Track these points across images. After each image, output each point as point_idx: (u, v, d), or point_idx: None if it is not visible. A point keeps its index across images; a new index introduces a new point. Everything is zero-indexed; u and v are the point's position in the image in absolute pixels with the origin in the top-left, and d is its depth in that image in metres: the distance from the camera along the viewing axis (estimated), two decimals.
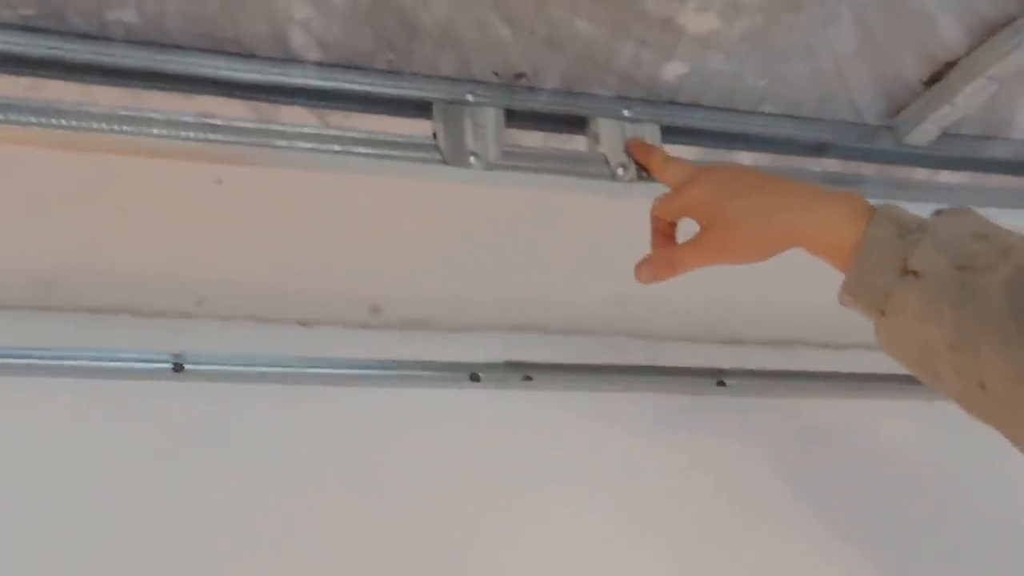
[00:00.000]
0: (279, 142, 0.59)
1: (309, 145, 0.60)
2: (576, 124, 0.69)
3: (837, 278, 0.57)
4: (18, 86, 0.58)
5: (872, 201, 0.57)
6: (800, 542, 0.88)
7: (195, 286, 0.81)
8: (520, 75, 0.66)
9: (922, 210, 0.57)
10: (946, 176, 0.79)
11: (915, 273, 0.52)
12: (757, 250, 0.59)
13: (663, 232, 0.64)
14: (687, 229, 0.64)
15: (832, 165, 0.76)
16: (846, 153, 0.76)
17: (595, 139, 0.68)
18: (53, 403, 0.75)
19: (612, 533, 0.84)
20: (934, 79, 0.71)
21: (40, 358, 0.75)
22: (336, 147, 0.60)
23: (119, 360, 0.77)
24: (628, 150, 0.67)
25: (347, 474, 0.80)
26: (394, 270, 0.84)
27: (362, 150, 0.61)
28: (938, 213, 0.56)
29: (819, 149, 0.75)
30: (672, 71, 0.67)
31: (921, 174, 0.79)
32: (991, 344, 0.50)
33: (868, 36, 0.66)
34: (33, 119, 0.54)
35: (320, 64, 0.62)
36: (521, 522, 0.82)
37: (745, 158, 0.74)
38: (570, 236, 0.84)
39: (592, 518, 0.84)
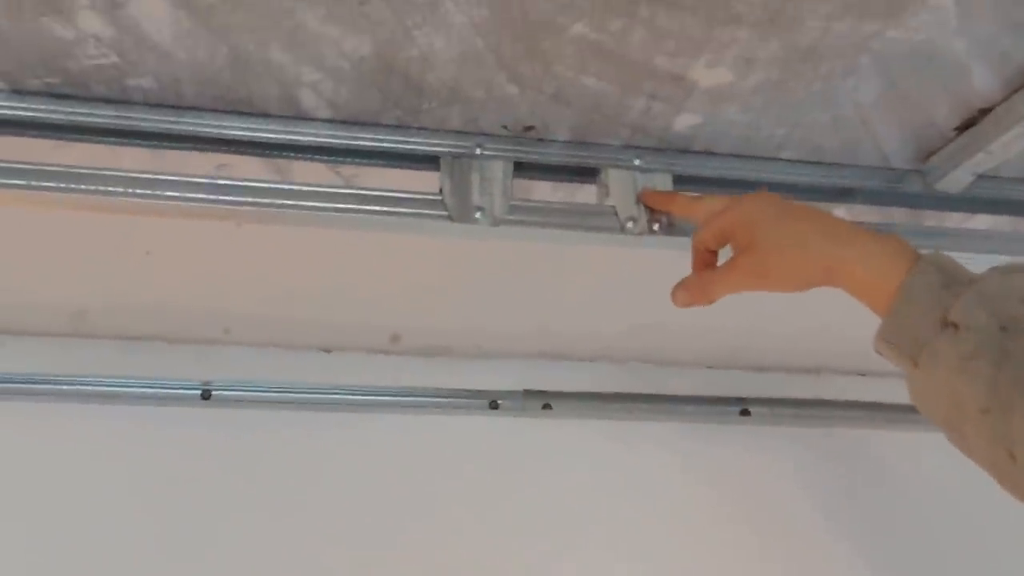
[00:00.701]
0: (287, 201, 0.60)
1: (316, 204, 0.61)
2: (587, 173, 0.68)
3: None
4: (45, 148, 0.61)
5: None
6: None
7: (222, 316, 0.85)
8: (529, 128, 0.66)
9: (957, 258, 0.54)
10: (981, 220, 0.76)
11: (954, 326, 0.50)
12: (793, 279, 0.57)
13: (704, 261, 0.63)
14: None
15: (859, 212, 0.74)
16: (872, 198, 0.73)
17: (605, 190, 0.67)
18: (86, 428, 0.80)
19: (632, 565, 0.84)
20: (966, 125, 0.68)
21: (73, 384, 0.80)
22: (342, 204, 0.61)
23: (149, 387, 0.81)
24: (644, 201, 0.66)
25: (366, 498, 0.83)
26: (414, 299, 0.86)
27: (368, 207, 0.62)
28: (995, 269, 0.53)
29: (843, 195, 0.73)
30: (685, 122, 0.66)
31: (954, 219, 0.76)
32: None
33: (892, 85, 0.63)
34: (52, 184, 0.57)
35: (330, 121, 0.63)
36: (539, 551, 0.83)
37: None
38: (590, 265, 0.83)
39: (611, 549, 0.85)
